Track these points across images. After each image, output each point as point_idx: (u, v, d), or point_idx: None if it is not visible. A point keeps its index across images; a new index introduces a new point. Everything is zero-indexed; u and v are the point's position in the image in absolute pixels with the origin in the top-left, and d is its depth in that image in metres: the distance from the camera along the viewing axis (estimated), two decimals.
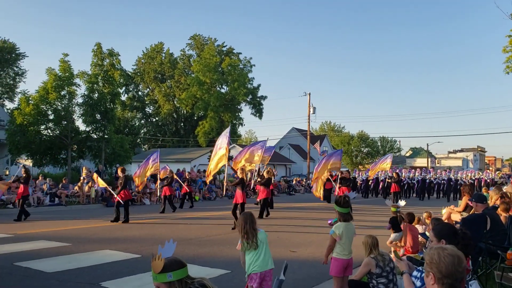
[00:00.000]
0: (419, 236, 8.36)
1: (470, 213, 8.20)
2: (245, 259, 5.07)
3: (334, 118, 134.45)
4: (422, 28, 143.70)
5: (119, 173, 15.41)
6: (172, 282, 2.67)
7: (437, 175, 34.16)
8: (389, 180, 27.10)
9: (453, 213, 9.02)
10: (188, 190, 21.43)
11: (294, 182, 38.88)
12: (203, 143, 58.83)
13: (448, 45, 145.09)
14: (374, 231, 8.89)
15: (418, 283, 3.62)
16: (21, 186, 15.13)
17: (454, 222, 8.15)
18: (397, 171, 29.76)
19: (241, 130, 78.35)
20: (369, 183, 32.27)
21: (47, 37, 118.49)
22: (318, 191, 21.71)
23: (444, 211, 9.39)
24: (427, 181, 31.70)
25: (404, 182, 30.98)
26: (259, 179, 17.94)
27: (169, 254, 2.78)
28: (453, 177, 32.69)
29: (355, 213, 6.14)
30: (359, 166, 74.82)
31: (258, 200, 17.59)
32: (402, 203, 7.95)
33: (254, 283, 4.94)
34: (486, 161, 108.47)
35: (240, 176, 14.09)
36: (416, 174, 33.67)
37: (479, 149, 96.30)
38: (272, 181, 20.86)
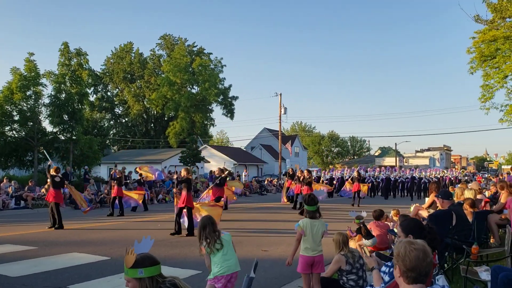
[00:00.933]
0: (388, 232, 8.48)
1: (437, 209, 8.41)
2: (211, 261, 5.01)
3: (305, 119, 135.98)
4: (390, 28, 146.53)
5: (52, 172, 13.87)
6: (143, 278, 2.63)
7: (401, 174, 34.12)
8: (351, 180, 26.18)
9: (421, 210, 9.22)
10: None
11: (265, 182, 38.99)
12: (173, 144, 58.36)
13: (416, 46, 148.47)
14: (344, 229, 8.98)
15: (387, 278, 3.68)
16: None
17: (421, 219, 8.33)
18: (359, 170, 29.72)
19: (213, 131, 78.09)
20: (334, 182, 32.17)
21: (12, 38, 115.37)
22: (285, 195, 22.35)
23: (412, 208, 9.60)
24: (392, 179, 31.63)
25: (368, 181, 30.79)
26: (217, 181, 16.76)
27: (145, 250, 2.74)
28: (416, 175, 32.69)
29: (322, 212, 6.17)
30: (330, 166, 75.66)
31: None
32: (364, 214, 8.17)
33: (219, 284, 4.90)
34: (452, 159, 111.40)
35: (185, 176, 12.57)
36: (381, 172, 33.70)
37: (445, 148, 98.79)
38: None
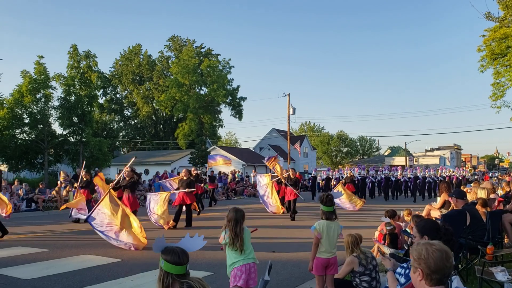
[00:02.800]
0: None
1: (449, 209, 8.30)
2: (228, 256, 5.04)
3: (314, 119, 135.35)
4: (399, 29, 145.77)
5: None
6: (162, 269, 2.66)
7: (404, 173, 31.60)
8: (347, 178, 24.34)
9: (433, 210, 9.12)
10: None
11: None
12: (183, 145, 58.50)
13: (425, 45, 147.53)
14: (354, 230, 8.91)
15: (403, 280, 3.61)
16: None
17: (434, 219, 8.24)
18: (352, 170, 27.92)
19: (221, 132, 78.28)
20: (330, 183, 29.67)
21: (21, 39, 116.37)
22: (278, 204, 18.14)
23: (425, 208, 9.51)
24: (393, 179, 29.22)
25: (368, 181, 29.32)
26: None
27: (188, 248, 2.72)
28: (420, 175, 30.19)
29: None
30: (339, 166, 75.40)
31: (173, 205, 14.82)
32: (385, 219, 8.14)
33: (239, 280, 4.89)
34: (462, 158, 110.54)
35: (127, 178, 11.66)
36: (380, 172, 31.39)
37: (455, 147, 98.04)
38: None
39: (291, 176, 17.22)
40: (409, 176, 30.64)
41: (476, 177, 41.88)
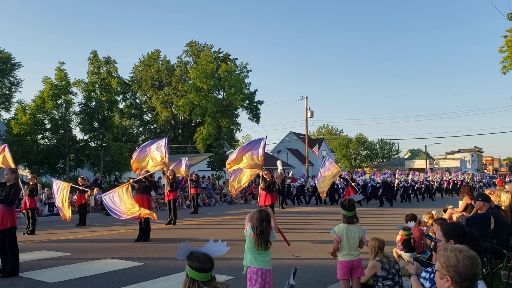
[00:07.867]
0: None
1: (472, 213, 8.19)
2: (248, 251, 5.02)
3: (332, 122, 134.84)
4: (419, 34, 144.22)
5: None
6: (187, 276, 2.62)
7: (401, 177, 28.72)
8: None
9: (455, 213, 9.01)
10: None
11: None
12: (201, 149, 58.83)
13: (446, 48, 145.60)
14: (378, 234, 8.84)
15: (428, 284, 3.57)
16: None
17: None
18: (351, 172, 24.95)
19: (239, 136, 78.46)
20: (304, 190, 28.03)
21: (42, 45, 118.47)
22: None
23: (446, 212, 9.39)
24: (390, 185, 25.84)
25: (368, 185, 27.22)
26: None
27: (212, 253, 2.72)
28: (409, 179, 28.20)
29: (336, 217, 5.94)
30: (358, 169, 74.82)
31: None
32: (411, 224, 8.05)
33: (255, 284, 4.89)
34: (483, 161, 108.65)
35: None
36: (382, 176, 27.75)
37: (476, 149, 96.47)
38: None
39: (267, 179, 14.25)
40: (411, 181, 28.76)
41: (495, 180, 40.85)
